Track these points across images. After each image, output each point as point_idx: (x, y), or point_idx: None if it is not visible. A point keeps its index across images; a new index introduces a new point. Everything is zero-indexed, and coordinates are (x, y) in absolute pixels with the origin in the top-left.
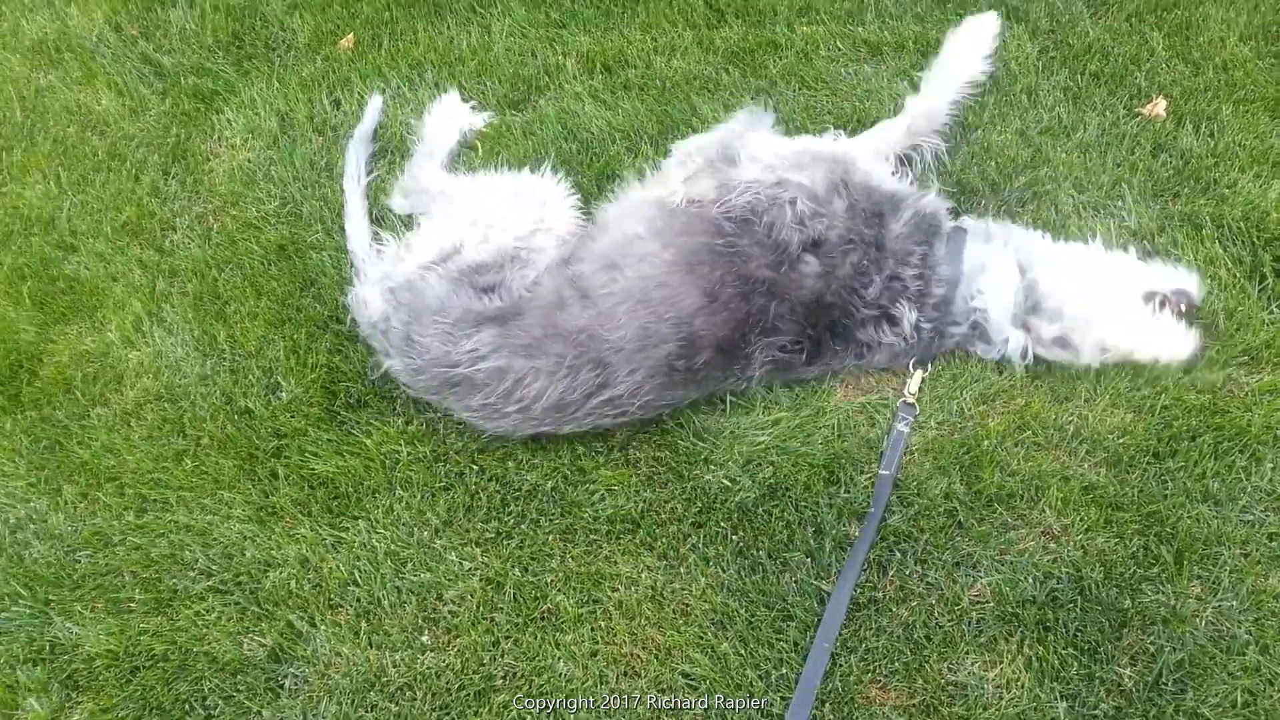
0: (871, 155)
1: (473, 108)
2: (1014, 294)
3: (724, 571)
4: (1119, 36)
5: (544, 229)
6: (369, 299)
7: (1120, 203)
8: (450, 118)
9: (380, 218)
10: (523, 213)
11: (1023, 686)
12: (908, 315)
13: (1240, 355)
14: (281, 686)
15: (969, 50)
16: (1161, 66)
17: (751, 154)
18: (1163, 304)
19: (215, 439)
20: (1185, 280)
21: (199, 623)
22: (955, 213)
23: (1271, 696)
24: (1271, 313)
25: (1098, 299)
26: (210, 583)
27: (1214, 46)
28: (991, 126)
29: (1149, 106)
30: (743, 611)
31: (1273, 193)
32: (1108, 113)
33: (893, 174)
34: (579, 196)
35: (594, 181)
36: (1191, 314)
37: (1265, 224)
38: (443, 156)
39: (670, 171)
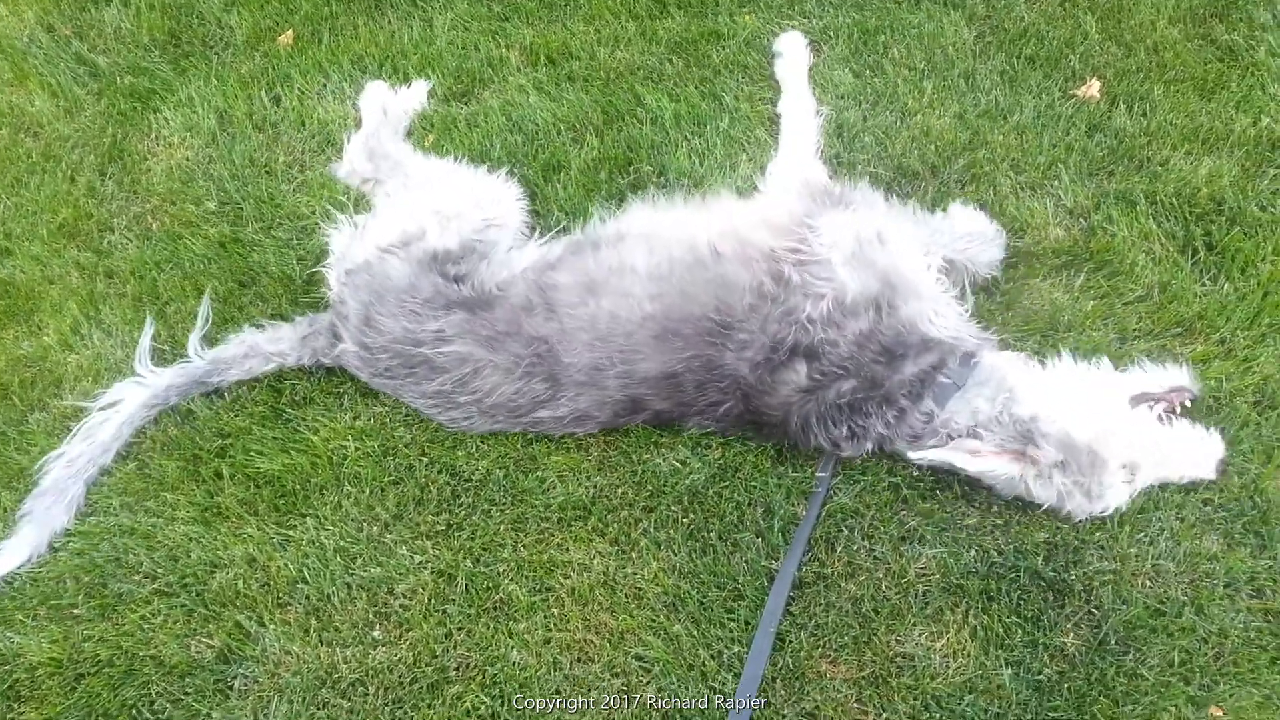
0: (941, 293)
1: (390, 87)
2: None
3: (675, 554)
4: (1053, 20)
5: (496, 224)
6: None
7: (1057, 182)
8: (384, 102)
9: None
10: (480, 207)
11: (969, 655)
12: (870, 441)
13: (1174, 327)
14: (231, 687)
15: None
16: (1094, 49)
17: (848, 212)
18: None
19: (158, 441)
20: (1180, 373)
21: (145, 626)
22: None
23: (1205, 655)
24: (1203, 285)
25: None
26: (155, 585)
27: (1144, 29)
28: (930, 111)
29: (1083, 88)
30: (694, 593)
31: (1203, 169)
32: (1043, 95)
33: (958, 315)
34: (524, 190)
35: (540, 173)
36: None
37: (1196, 200)
38: (402, 130)
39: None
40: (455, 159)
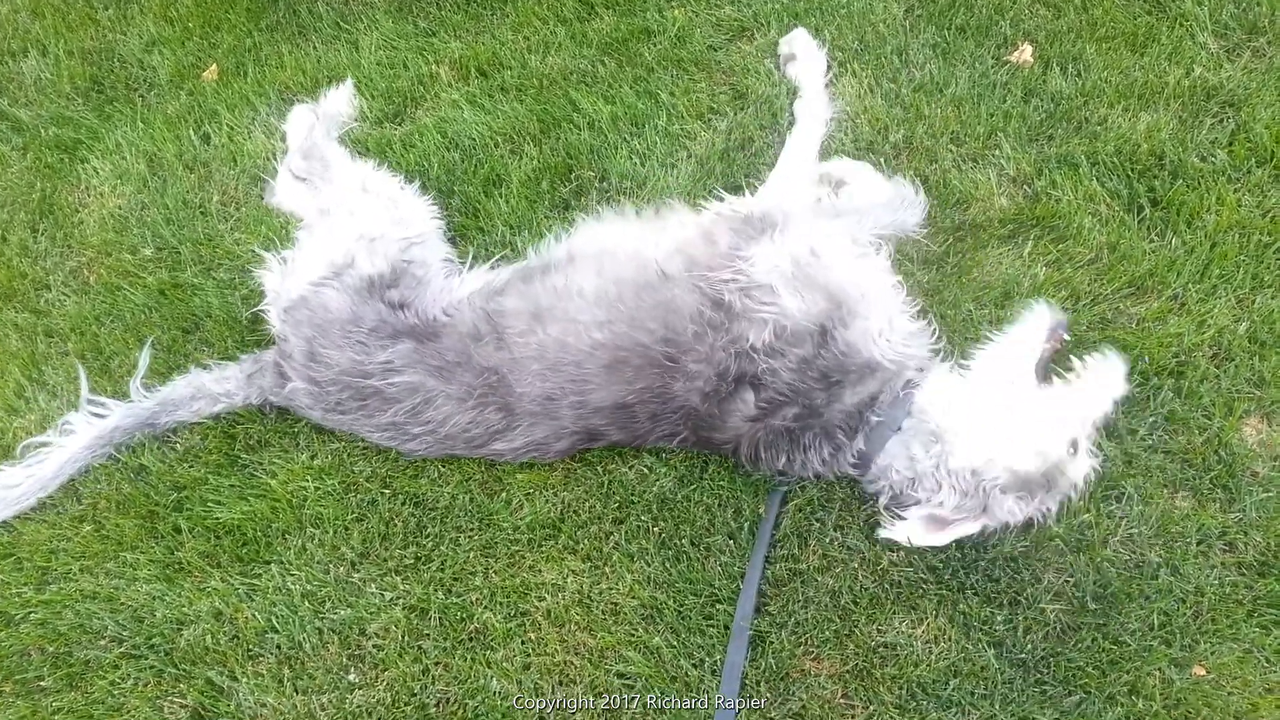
0: (894, 304)
1: (314, 108)
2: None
3: (649, 565)
4: None
5: (417, 242)
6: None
7: (998, 151)
8: (313, 109)
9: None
10: (398, 225)
11: (950, 639)
12: (809, 472)
13: (1126, 287)
14: None
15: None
16: (1024, 13)
17: (779, 236)
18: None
19: (112, 500)
20: (1047, 314)
21: (115, 692)
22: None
23: (1184, 615)
24: (1151, 241)
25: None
26: (122, 649)
27: None
28: (867, 91)
29: (1016, 54)
30: (671, 603)
31: (1141, 125)
32: (977, 64)
33: (907, 331)
34: (466, 206)
35: (480, 189)
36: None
37: (1137, 156)
38: (336, 131)
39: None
40: (377, 166)
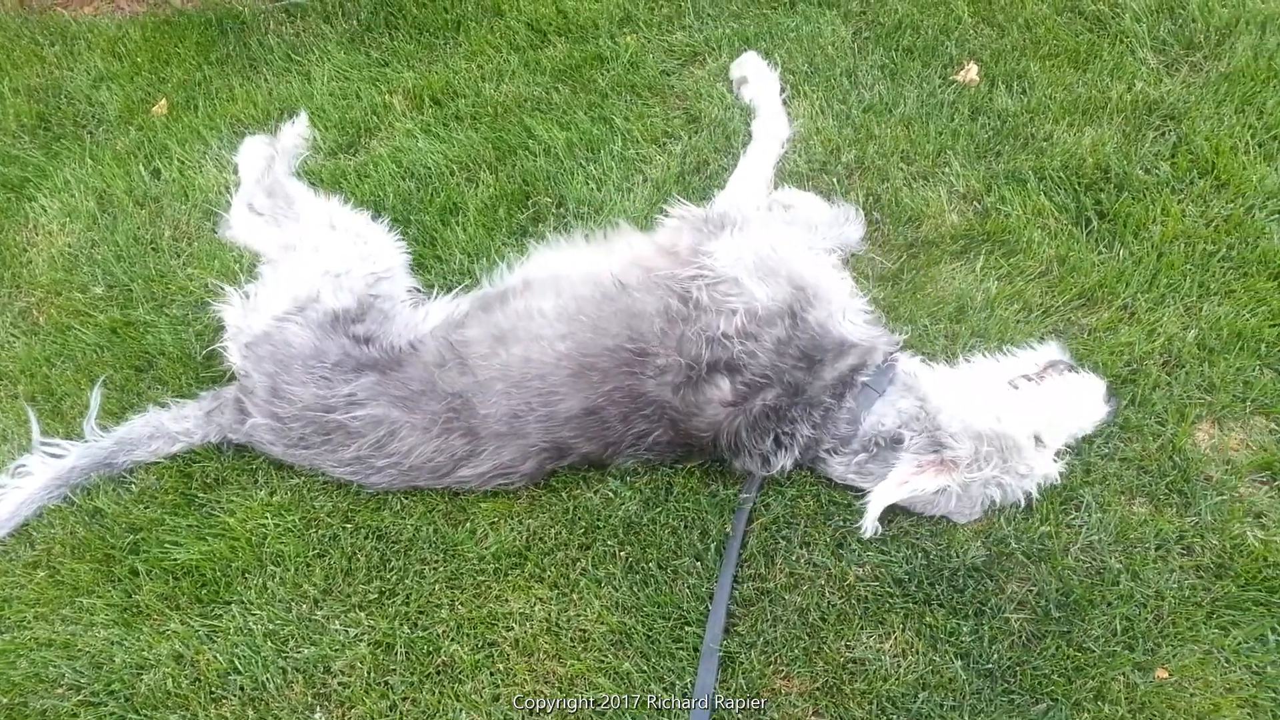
0: (848, 293)
1: (269, 141)
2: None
3: (616, 590)
4: (926, 9)
5: (385, 277)
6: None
7: (948, 169)
8: (270, 142)
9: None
10: (365, 261)
11: (918, 652)
12: (797, 447)
13: (1076, 298)
14: None
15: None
16: (969, 33)
17: (738, 233)
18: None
19: (66, 545)
20: (1055, 349)
21: None
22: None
23: (1146, 619)
24: (1100, 253)
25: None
26: (81, 697)
27: (1015, 7)
28: (817, 111)
29: (962, 73)
30: (640, 627)
31: (1086, 140)
32: (924, 84)
33: (865, 315)
34: (423, 235)
35: (436, 218)
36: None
37: (1083, 170)
38: (294, 163)
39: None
40: (342, 201)
